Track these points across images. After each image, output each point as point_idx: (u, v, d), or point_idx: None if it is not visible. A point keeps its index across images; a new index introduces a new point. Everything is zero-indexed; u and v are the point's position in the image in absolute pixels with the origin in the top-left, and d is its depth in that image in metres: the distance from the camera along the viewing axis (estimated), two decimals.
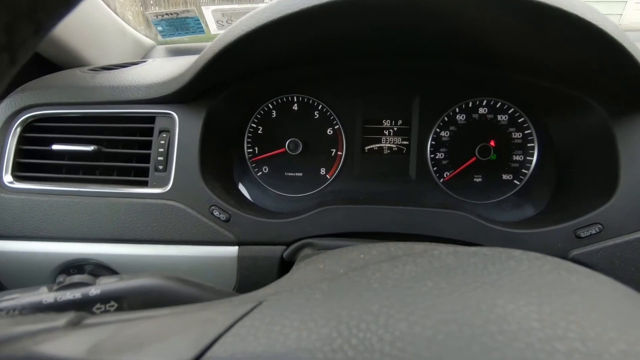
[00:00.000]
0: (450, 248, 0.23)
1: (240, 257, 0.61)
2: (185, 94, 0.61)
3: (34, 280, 0.63)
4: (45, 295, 0.31)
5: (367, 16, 0.47)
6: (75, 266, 0.63)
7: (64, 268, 0.62)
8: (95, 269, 0.63)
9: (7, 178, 0.62)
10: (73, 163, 0.64)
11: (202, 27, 1.02)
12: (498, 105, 0.72)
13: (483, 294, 0.17)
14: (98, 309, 0.33)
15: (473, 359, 0.14)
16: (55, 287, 0.32)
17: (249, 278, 0.62)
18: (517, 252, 0.22)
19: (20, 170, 0.63)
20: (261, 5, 0.47)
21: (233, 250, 0.62)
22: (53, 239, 0.62)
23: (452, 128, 0.74)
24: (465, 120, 0.73)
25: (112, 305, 0.33)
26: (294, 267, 0.42)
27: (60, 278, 0.33)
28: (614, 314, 0.16)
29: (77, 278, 0.33)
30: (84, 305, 0.32)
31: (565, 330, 0.14)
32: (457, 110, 0.73)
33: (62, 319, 0.19)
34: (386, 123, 0.76)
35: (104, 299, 0.33)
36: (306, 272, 0.28)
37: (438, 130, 0.74)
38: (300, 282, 0.25)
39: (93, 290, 0.32)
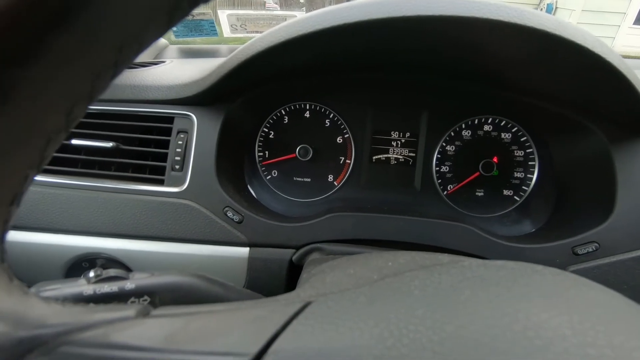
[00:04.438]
0: (478, 260, 0.25)
1: (250, 258, 0.63)
2: (205, 97, 0.63)
3: (46, 271, 0.63)
4: (85, 287, 0.32)
5: (393, 35, 0.50)
6: (87, 260, 0.64)
7: (77, 261, 0.63)
8: (107, 264, 0.64)
9: None
10: (90, 158, 0.65)
11: (215, 30, 1.04)
12: (502, 124, 0.75)
13: (517, 304, 0.19)
14: (132, 302, 0.35)
15: (517, 359, 0.16)
16: (93, 279, 0.33)
17: (258, 279, 0.64)
18: (539, 267, 0.24)
19: None
20: (290, 20, 0.49)
21: (244, 251, 0.63)
22: (67, 232, 0.63)
23: (457, 143, 0.77)
24: (470, 136, 0.76)
25: (145, 300, 0.35)
26: (313, 270, 0.44)
27: (98, 271, 0.34)
28: (632, 324, 0.19)
29: (112, 272, 0.34)
30: (120, 298, 0.34)
31: (594, 338, 0.17)
32: (463, 126, 0.76)
33: (132, 310, 0.21)
34: (394, 134, 0.78)
35: (138, 293, 0.34)
36: (337, 276, 0.30)
37: (444, 144, 0.77)
38: (338, 286, 0.27)
39: (129, 285, 0.34)
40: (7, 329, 0.18)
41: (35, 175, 0.19)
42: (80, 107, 0.18)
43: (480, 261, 0.25)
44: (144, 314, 0.21)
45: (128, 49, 0.17)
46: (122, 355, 0.18)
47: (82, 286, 0.32)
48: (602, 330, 0.17)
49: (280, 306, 0.23)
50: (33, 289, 0.32)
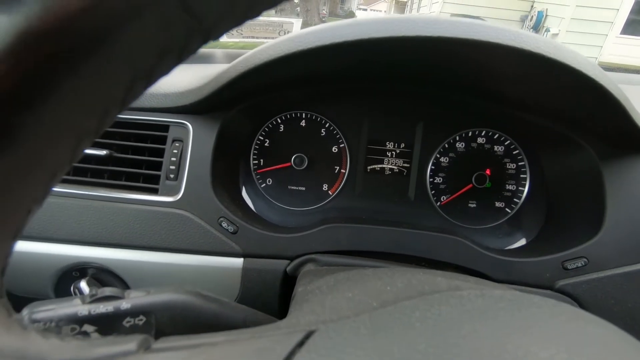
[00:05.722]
0: (477, 290, 0.26)
1: (244, 269, 0.63)
2: (201, 106, 0.63)
3: (36, 280, 0.62)
4: (80, 307, 0.32)
5: (392, 53, 0.50)
6: (77, 269, 0.63)
7: (67, 270, 0.62)
8: (98, 273, 0.63)
9: None
10: (83, 166, 0.64)
11: None
12: (496, 137, 0.76)
13: (517, 340, 0.20)
14: (127, 322, 0.34)
15: None
16: (88, 299, 0.33)
17: (252, 290, 0.64)
18: (537, 299, 0.25)
19: None
20: (290, 34, 0.49)
21: (238, 261, 0.63)
22: (58, 241, 0.62)
23: (451, 155, 0.78)
24: (464, 148, 0.77)
25: (141, 319, 0.35)
26: (308, 286, 0.44)
27: (93, 291, 0.33)
28: None
29: (108, 291, 0.34)
30: (116, 318, 0.33)
31: None
32: (457, 138, 0.77)
33: (132, 343, 0.21)
34: (389, 145, 0.79)
35: (134, 312, 0.34)
36: (336, 299, 0.30)
37: (438, 155, 0.78)
38: (338, 312, 0.27)
39: (124, 304, 0.34)
40: None
41: (37, 209, 0.19)
42: (86, 142, 0.18)
43: (478, 291, 0.25)
44: (145, 347, 0.21)
45: (137, 87, 0.17)
46: None
47: (76, 306, 0.32)
48: None
49: (282, 336, 0.23)
50: (26, 310, 0.31)
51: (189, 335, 0.23)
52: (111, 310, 0.33)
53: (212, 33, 0.18)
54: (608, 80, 0.49)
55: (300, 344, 0.22)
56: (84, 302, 0.33)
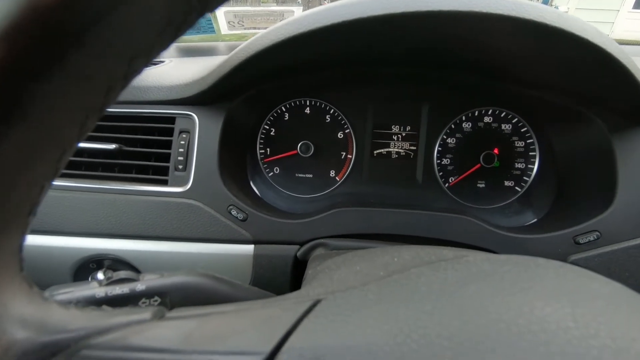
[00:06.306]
0: (482, 255, 0.26)
1: (255, 255, 0.64)
2: (206, 97, 0.63)
3: (54, 274, 0.64)
4: (97, 289, 0.33)
5: (393, 31, 0.50)
6: (94, 261, 0.65)
7: (84, 263, 0.64)
8: (114, 264, 0.65)
9: None
10: (93, 160, 0.66)
11: (213, 27, 1.04)
12: (502, 115, 0.75)
13: (522, 298, 0.20)
14: (143, 303, 0.35)
15: (522, 352, 0.17)
16: (105, 282, 0.34)
17: (264, 275, 0.65)
18: (542, 260, 0.25)
19: None
20: (289, 18, 0.50)
21: (249, 248, 0.64)
22: (73, 234, 0.63)
23: (458, 135, 0.77)
24: (471, 128, 0.76)
25: (156, 300, 0.36)
26: (318, 267, 0.45)
27: (109, 274, 0.35)
28: (633, 316, 0.19)
29: (123, 274, 0.35)
30: (131, 300, 0.34)
31: (596, 330, 0.17)
32: (463, 118, 0.76)
33: (147, 312, 0.22)
34: (395, 128, 0.79)
35: (149, 294, 0.35)
36: (344, 273, 0.31)
37: (445, 137, 0.77)
38: (345, 283, 0.27)
39: (139, 286, 0.35)
40: (31, 334, 0.18)
41: (49, 185, 0.20)
42: (92, 119, 0.19)
43: (484, 256, 0.26)
44: (159, 316, 0.22)
45: (138, 61, 0.18)
46: (141, 357, 0.19)
47: (94, 289, 0.33)
48: (603, 322, 0.18)
49: (291, 304, 0.24)
50: (46, 293, 0.32)
51: (201, 306, 0.24)
52: (127, 292, 0.34)
53: (209, 6, 0.18)
54: (618, 49, 0.48)
55: (308, 311, 0.23)
56: (100, 284, 0.34)
